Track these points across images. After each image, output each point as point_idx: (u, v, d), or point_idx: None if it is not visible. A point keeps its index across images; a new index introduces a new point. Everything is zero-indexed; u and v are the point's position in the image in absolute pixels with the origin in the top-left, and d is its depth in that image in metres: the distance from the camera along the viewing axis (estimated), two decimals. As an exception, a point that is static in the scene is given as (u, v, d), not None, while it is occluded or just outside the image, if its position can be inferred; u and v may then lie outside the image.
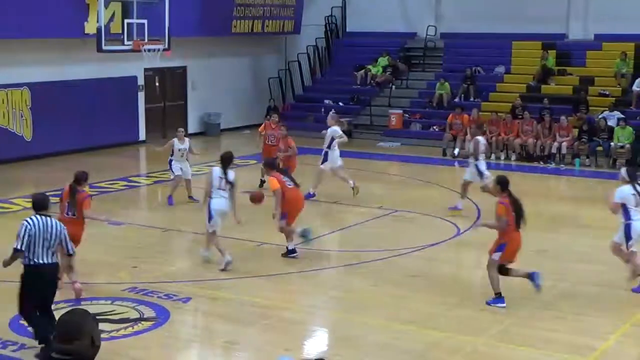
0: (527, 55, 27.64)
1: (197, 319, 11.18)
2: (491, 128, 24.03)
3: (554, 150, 23.01)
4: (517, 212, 11.34)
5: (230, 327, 10.48)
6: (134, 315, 10.66)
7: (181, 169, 17.23)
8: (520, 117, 24.10)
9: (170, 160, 17.35)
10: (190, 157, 17.75)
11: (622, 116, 23.25)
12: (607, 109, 23.93)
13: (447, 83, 27.25)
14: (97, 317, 4.25)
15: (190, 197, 17.27)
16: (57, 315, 10.46)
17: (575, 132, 23.28)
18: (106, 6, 20.75)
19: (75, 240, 10.89)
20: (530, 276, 11.28)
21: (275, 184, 13.09)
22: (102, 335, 4.24)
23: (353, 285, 12.37)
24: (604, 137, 22.80)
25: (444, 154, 24.28)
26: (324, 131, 18.23)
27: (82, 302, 11.00)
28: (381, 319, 10.79)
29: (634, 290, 11.92)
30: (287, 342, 9.92)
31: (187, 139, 17.72)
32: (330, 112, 20.35)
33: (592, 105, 24.67)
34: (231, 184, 12.77)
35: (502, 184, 11.56)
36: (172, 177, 17.33)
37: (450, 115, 24.90)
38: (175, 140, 17.47)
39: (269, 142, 18.90)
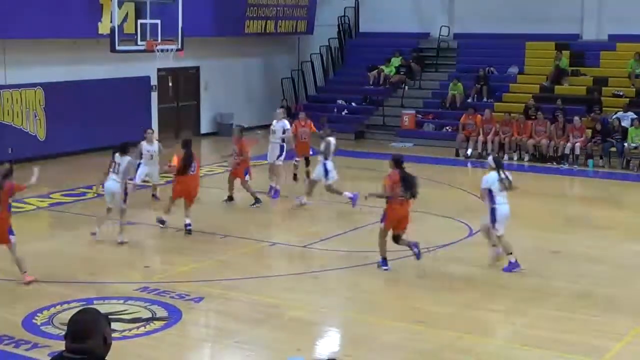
0: (541, 55, 27.55)
1: (208, 319, 11.19)
2: (504, 129, 23.98)
3: (567, 151, 22.93)
4: (406, 186, 12.63)
5: (241, 327, 10.50)
6: (146, 314, 10.69)
7: (147, 174, 17.06)
8: (533, 117, 24.03)
9: (139, 164, 16.73)
10: (158, 160, 17.30)
11: (636, 117, 23.14)
12: (621, 109, 23.83)
13: (460, 83, 27.20)
14: (110, 317, 4.27)
15: (153, 195, 17.57)
16: (68, 315, 10.53)
17: (589, 132, 23.19)
18: (120, 6, 20.81)
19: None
20: (411, 245, 12.76)
21: None
22: (115, 335, 4.26)
23: (364, 286, 12.36)
24: (617, 138, 22.71)
25: (457, 154, 24.24)
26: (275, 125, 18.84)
27: (95, 302, 11.04)
28: (392, 319, 10.78)
29: (504, 270, 12.65)
30: (299, 342, 9.92)
31: (156, 141, 17.48)
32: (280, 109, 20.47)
33: (606, 106, 24.57)
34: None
35: (395, 161, 13.02)
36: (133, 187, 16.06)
37: (464, 116, 24.86)
38: (144, 142, 17.10)
39: (302, 139, 19.60)
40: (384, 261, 12.75)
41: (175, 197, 14.94)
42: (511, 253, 12.68)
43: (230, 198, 17.30)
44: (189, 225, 14.71)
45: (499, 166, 12.89)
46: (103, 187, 14.64)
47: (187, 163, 14.68)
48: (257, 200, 16.92)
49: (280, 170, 18.54)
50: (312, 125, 19.99)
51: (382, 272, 12.79)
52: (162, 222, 15.09)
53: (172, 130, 26.34)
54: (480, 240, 14.74)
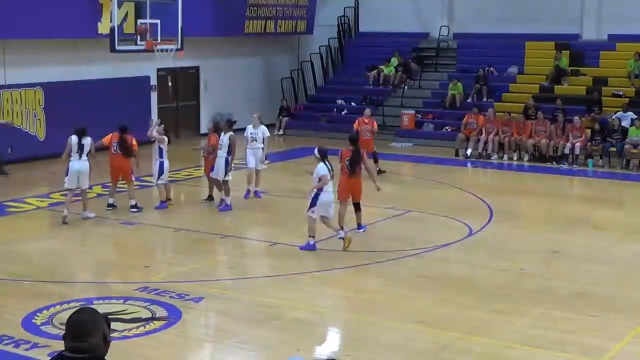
0: (541, 55, 27.55)
1: (208, 319, 11.19)
2: (504, 129, 23.99)
3: (567, 151, 22.93)
4: (352, 161, 14.33)
5: (241, 327, 10.49)
6: (146, 314, 10.68)
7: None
8: (533, 117, 24.03)
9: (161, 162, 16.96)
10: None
11: (636, 117, 23.14)
12: (620, 109, 23.83)
13: (459, 83, 27.21)
14: (109, 317, 4.27)
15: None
16: (68, 315, 10.52)
17: (588, 132, 23.18)
18: (119, 6, 20.79)
19: None
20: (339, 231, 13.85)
21: None
22: (114, 335, 4.26)
23: (364, 286, 12.37)
24: (617, 138, 22.71)
25: (457, 154, 24.23)
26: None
27: (95, 302, 11.04)
28: (392, 319, 10.77)
29: (301, 248, 13.73)
30: (299, 343, 9.92)
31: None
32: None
33: (606, 106, 24.58)
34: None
35: (350, 139, 14.91)
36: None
37: (467, 116, 24.86)
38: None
39: (365, 137, 19.74)
40: (341, 231, 13.92)
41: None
42: (313, 236, 13.73)
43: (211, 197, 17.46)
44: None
45: (324, 157, 13.76)
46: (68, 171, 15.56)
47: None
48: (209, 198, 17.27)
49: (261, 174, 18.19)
50: (375, 123, 20.49)
51: (382, 272, 12.80)
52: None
53: (172, 130, 26.28)
54: (480, 241, 14.78)
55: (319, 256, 13.75)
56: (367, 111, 21.07)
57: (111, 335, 4.19)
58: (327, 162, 13.76)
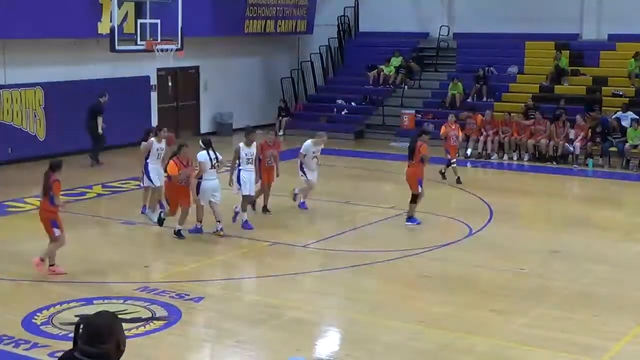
0: (540, 55, 27.56)
1: (208, 319, 11.18)
2: (504, 128, 23.99)
3: (567, 151, 22.93)
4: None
5: (241, 327, 10.49)
6: (146, 314, 10.68)
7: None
8: (532, 117, 24.03)
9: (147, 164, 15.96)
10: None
11: (636, 117, 23.13)
12: (620, 109, 23.83)
13: (459, 83, 27.21)
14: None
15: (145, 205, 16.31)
16: (68, 315, 10.52)
17: (588, 132, 23.18)
18: (119, 6, 20.79)
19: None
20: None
21: None
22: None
23: (364, 286, 12.36)
24: (617, 137, 22.72)
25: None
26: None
27: (95, 302, 11.04)
28: (392, 319, 10.77)
29: (190, 231, 14.53)
30: (299, 343, 9.92)
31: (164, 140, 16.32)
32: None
33: (606, 106, 24.58)
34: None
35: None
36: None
37: (460, 116, 24.83)
38: (154, 140, 15.94)
39: (453, 143, 19.99)
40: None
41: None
42: (200, 221, 14.61)
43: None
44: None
45: (208, 146, 14.53)
46: None
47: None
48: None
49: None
50: (459, 128, 20.44)
51: (382, 271, 12.82)
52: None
53: (171, 130, 26.29)
54: (480, 240, 14.77)
55: (319, 256, 13.76)
56: (451, 117, 20.66)
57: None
58: (210, 152, 14.42)
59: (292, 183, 16.93)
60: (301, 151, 16.74)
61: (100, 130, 21.99)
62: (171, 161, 14.20)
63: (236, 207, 15.42)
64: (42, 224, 12.25)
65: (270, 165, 16.20)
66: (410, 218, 15.65)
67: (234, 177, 15.27)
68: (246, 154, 15.23)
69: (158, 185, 15.66)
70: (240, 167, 15.21)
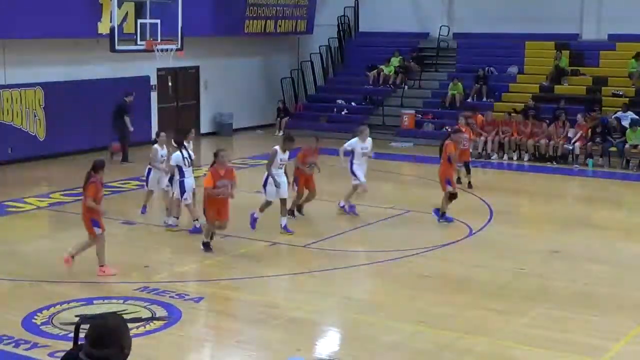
0: (540, 55, 27.57)
1: (208, 319, 11.18)
2: (504, 129, 23.99)
3: (567, 151, 22.94)
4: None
5: (241, 327, 10.50)
6: (146, 314, 10.68)
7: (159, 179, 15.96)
8: (532, 117, 24.04)
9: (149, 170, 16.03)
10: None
11: (636, 117, 23.13)
12: (620, 109, 23.83)
13: (459, 83, 27.22)
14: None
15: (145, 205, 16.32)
16: (68, 315, 10.51)
17: (588, 132, 23.19)
18: (119, 6, 20.80)
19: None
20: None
21: None
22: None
23: (365, 286, 12.36)
24: (617, 137, 22.72)
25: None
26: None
27: (95, 302, 11.04)
28: (393, 319, 10.77)
29: (190, 232, 14.71)
30: (299, 342, 9.92)
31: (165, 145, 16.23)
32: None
33: (606, 106, 24.58)
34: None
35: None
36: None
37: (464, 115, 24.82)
38: (157, 146, 15.93)
39: (462, 147, 18.69)
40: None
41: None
42: (197, 219, 14.63)
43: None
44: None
45: (180, 145, 14.90)
46: None
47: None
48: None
49: None
50: (470, 131, 19.77)
51: (382, 271, 12.81)
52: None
53: (171, 130, 26.28)
54: (480, 240, 14.78)
55: (319, 256, 13.75)
56: (462, 119, 20.18)
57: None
58: (183, 151, 14.75)
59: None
60: (346, 146, 16.47)
61: (131, 128, 22.44)
62: (208, 172, 13.50)
63: (254, 214, 15.09)
64: (83, 222, 12.39)
65: (310, 173, 15.97)
66: (442, 215, 15.79)
67: (262, 181, 14.91)
68: (281, 160, 14.87)
69: (153, 190, 15.99)
70: (272, 172, 14.79)
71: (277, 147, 14.95)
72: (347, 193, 16.43)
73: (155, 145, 15.92)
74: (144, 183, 16.36)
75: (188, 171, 14.85)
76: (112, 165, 20.89)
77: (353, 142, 16.42)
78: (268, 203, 14.97)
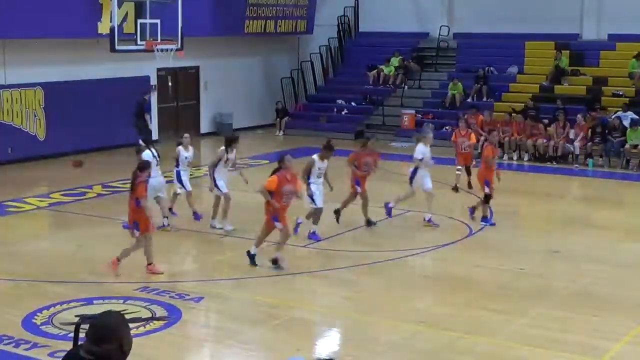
0: (540, 55, 27.56)
1: (208, 319, 11.19)
2: (504, 129, 24.00)
3: (567, 151, 22.94)
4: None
5: (241, 327, 10.49)
6: (146, 314, 10.68)
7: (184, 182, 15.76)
8: (532, 117, 24.05)
9: (178, 172, 15.77)
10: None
11: (636, 117, 23.14)
12: (620, 109, 23.84)
13: (459, 83, 27.22)
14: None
15: (170, 209, 15.69)
16: (68, 315, 10.51)
17: (588, 132, 23.19)
18: (119, 6, 20.80)
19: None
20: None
21: None
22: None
23: (364, 286, 12.36)
24: (617, 136, 22.73)
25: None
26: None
27: (95, 302, 11.04)
28: (392, 319, 10.77)
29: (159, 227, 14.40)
30: (298, 342, 9.92)
31: (190, 146, 16.05)
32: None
33: (606, 106, 24.58)
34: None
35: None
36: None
37: (466, 116, 24.82)
38: (181, 148, 15.75)
39: (462, 150, 18.87)
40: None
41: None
42: (167, 217, 14.98)
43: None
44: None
45: (148, 145, 15.30)
46: None
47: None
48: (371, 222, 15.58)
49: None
50: (472, 135, 19.13)
51: (382, 271, 12.82)
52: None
53: (172, 130, 26.33)
54: (480, 241, 14.78)
55: (319, 256, 13.76)
56: (462, 124, 19.69)
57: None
58: (151, 149, 14.97)
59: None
60: (415, 156, 15.96)
61: (151, 127, 23.07)
62: (274, 176, 12.67)
63: (299, 219, 14.82)
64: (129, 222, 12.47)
65: (366, 173, 15.49)
66: (483, 218, 15.76)
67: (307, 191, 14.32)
68: (319, 168, 14.43)
69: (190, 190, 15.71)
70: (310, 181, 14.36)
71: (315, 157, 14.46)
72: (400, 196, 16.03)
73: (179, 147, 15.76)
74: (179, 187, 15.80)
75: (155, 170, 14.76)
76: (110, 166, 20.90)
77: (422, 149, 15.90)
78: (318, 210, 14.56)
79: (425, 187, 15.77)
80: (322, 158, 14.47)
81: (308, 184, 14.33)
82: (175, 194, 15.80)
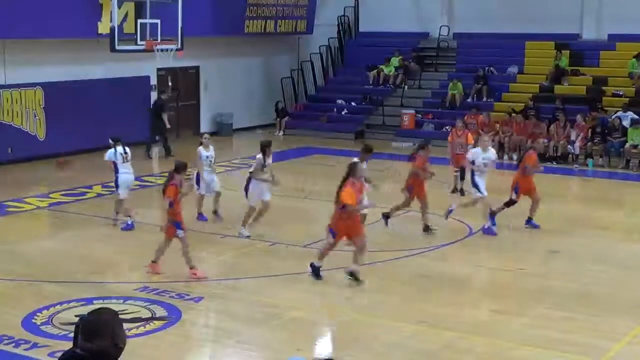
0: (541, 55, 27.57)
1: (208, 319, 11.19)
2: (504, 129, 24.00)
3: (568, 151, 22.94)
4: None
5: (241, 327, 10.49)
6: (146, 314, 10.68)
7: (208, 182, 15.76)
8: (532, 117, 24.05)
9: (197, 173, 15.76)
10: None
11: (636, 117, 23.15)
12: (620, 109, 23.84)
13: (459, 83, 27.22)
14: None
15: (215, 211, 15.95)
16: (68, 315, 10.52)
17: (588, 132, 23.19)
18: (119, 6, 20.81)
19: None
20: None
21: None
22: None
23: (365, 286, 12.35)
24: (617, 137, 22.73)
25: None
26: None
27: (95, 302, 11.03)
28: (392, 319, 10.77)
29: (122, 228, 14.96)
30: (298, 342, 9.92)
31: (211, 146, 15.94)
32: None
33: (606, 106, 24.58)
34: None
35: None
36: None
37: (466, 116, 24.84)
38: (201, 148, 15.69)
39: (457, 151, 18.45)
40: None
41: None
42: (130, 215, 15.12)
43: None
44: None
45: (116, 142, 15.27)
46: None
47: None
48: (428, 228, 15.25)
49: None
50: (469, 135, 18.66)
51: (382, 271, 12.81)
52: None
53: (172, 130, 26.30)
54: (480, 241, 14.77)
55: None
56: (459, 124, 19.39)
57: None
58: (118, 147, 15.16)
59: (292, 182, 16.82)
60: (469, 158, 15.73)
61: (168, 125, 23.55)
62: (347, 188, 12.04)
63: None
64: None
65: (423, 178, 15.26)
66: (491, 215, 15.28)
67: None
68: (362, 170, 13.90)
69: (205, 194, 15.71)
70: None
71: (357, 160, 13.59)
72: (467, 203, 15.89)
73: (200, 148, 15.70)
74: (196, 188, 15.71)
75: (123, 167, 15.20)
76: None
77: (477, 152, 15.66)
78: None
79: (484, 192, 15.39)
80: (362, 160, 13.95)
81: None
82: (216, 195, 15.81)
